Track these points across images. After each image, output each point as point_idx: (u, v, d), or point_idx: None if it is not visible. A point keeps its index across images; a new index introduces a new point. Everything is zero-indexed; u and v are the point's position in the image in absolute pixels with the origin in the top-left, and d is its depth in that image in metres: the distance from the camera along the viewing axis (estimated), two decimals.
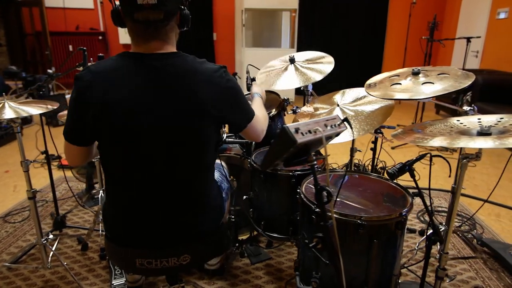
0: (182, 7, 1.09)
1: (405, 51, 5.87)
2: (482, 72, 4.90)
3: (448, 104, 1.93)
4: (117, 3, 1.08)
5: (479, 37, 4.28)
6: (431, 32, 3.75)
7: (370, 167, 2.99)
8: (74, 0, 7.05)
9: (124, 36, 7.32)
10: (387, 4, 6.74)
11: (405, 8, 6.19)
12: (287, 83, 1.94)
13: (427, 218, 2.49)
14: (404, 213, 1.24)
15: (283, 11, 6.49)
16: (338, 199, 1.38)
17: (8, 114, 1.54)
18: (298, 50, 6.22)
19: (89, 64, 1.09)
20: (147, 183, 1.10)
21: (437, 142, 1.08)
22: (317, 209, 1.23)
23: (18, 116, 1.55)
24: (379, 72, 7.90)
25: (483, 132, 1.07)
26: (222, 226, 1.28)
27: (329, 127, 0.87)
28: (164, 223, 1.13)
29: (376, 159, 2.23)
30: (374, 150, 2.16)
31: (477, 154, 1.15)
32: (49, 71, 6.41)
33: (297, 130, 0.77)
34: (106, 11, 7.25)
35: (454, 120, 1.35)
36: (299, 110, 2.06)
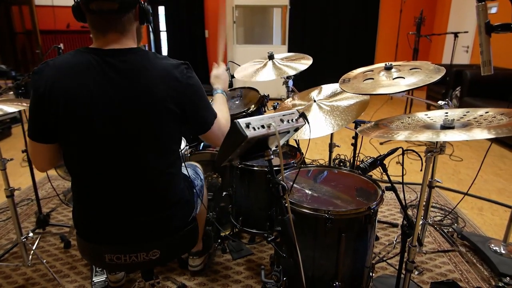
0: (142, 1, 1.09)
1: (397, 47, 5.88)
2: (472, 67, 4.92)
3: (422, 99, 1.93)
4: None
5: (467, 32, 4.29)
6: (418, 27, 3.76)
7: (358, 163, 3.01)
8: None
9: None
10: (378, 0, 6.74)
11: (396, 4, 6.20)
12: (265, 77, 1.95)
13: (410, 212, 2.51)
14: (372, 207, 1.25)
15: (274, 7, 6.48)
16: (314, 194, 1.39)
17: None
18: (290, 46, 6.22)
19: (49, 59, 1.08)
20: (107, 180, 1.10)
21: (401, 136, 1.08)
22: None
23: None
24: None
25: (446, 126, 1.08)
26: (193, 221, 1.29)
27: (285, 122, 0.87)
28: (129, 218, 1.13)
29: (357, 155, 2.24)
30: (355, 145, 2.17)
31: (441, 148, 1.16)
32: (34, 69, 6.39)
33: (248, 125, 0.77)
34: None
35: (422, 115, 1.36)
36: (279, 106, 2.07)
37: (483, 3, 0.90)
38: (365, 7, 6.75)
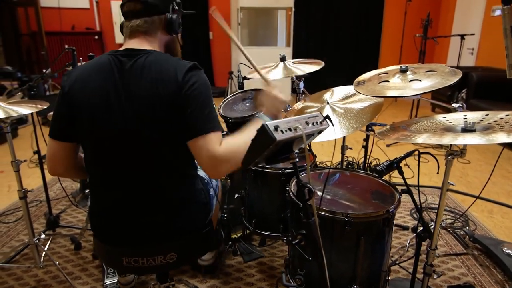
0: (170, 11, 1.12)
1: (401, 49, 5.88)
2: (477, 69, 4.91)
3: (436, 101, 1.93)
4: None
5: (473, 34, 4.29)
6: (425, 30, 3.76)
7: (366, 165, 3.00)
8: (69, 0, 7.04)
9: (120, 36, 7.30)
10: (383, 1, 6.74)
11: (401, 6, 6.20)
12: (274, 76, 1.96)
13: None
14: (391, 210, 1.24)
15: (279, 9, 6.48)
16: (327, 197, 1.38)
17: None
18: (294, 48, 6.22)
19: (79, 63, 1.12)
20: (126, 182, 1.10)
21: (422, 139, 1.08)
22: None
23: (7, 116, 1.55)
24: (375, 69, 7.82)
25: (467, 129, 1.08)
26: (210, 224, 1.28)
27: (310, 125, 0.87)
28: (148, 221, 1.13)
29: (368, 157, 2.24)
30: (366, 147, 2.17)
31: (462, 151, 1.16)
32: (45, 71, 6.39)
33: (276, 128, 0.77)
34: (101, 11, 7.23)
35: (440, 117, 1.36)
36: (290, 108, 2.07)
37: (508, 6, 0.90)
38: (369, 9, 6.75)
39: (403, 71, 1.50)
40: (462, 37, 3.75)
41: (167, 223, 1.14)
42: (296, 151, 0.94)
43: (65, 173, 1.19)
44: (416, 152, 1.44)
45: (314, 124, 0.88)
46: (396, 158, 1.43)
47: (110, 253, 1.19)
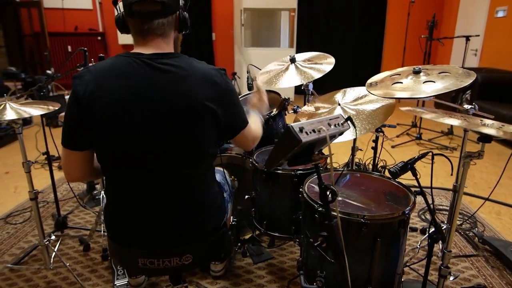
0: (181, 9, 1.10)
1: (404, 50, 5.86)
2: (481, 70, 4.91)
3: (449, 103, 1.93)
4: (120, 8, 1.10)
5: (478, 35, 4.29)
6: (430, 31, 3.76)
7: (370, 166, 3.00)
8: (72, 0, 7.04)
9: (123, 37, 7.31)
10: (386, 3, 6.74)
11: (404, 7, 6.20)
12: (288, 81, 1.95)
13: (428, 216, 2.50)
14: (407, 212, 1.24)
15: (282, 10, 6.48)
16: (340, 198, 1.38)
17: (10, 115, 1.54)
18: (297, 49, 6.22)
19: (90, 64, 1.10)
20: (144, 184, 1.10)
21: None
22: (321, 208, 1.23)
23: (19, 117, 1.55)
24: (378, 71, 7.92)
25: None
26: (224, 226, 1.28)
27: (332, 126, 0.87)
28: (165, 223, 1.13)
29: (377, 158, 2.23)
30: (375, 149, 2.16)
31: (479, 153, 1.16)
32: (48, 72, 6.41)
33: (301, 130, 0.77)
34: (104, 11, 7.24)
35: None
36: (299, 109, 2.07)
37: None
38: (372, 10, 6.76)
39: (416, 73, 1.50)
40: (467, 38, 3.75)
41: (184, 225, 1.13)
42: (316, 152, 0.94)
43: (83, 179, 1.18)
44: (430, 154, 1.43)
45: (336, 125, 0.88)
46: (410, 159, 1.42)
47: (125, 255, 1.18)
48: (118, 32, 7.44)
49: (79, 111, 1.02)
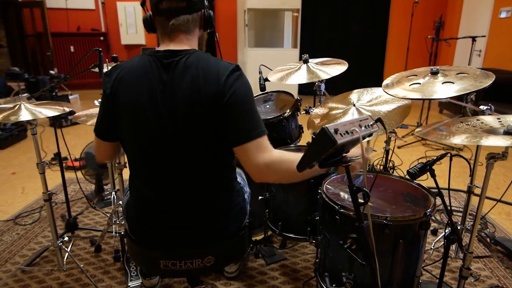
0: (206, 8, 1.10)
1: (407, 51, 5.87)
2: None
3: (466, 104, 1.93)
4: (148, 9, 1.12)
5: (484, 36, 4.29)
6: (437, 31, 3.76)
7: (379, 167, 2.99)
8: (75, 1, 7.04)
9: (125, 36, 7.31)
10: (389, 3, 6.75)
11: (408, 7, 6.20)
12: (297, 79, 1.95)
13: (439, 217, 2.50)
14: (428, 213, 1.23)
15: (286, 11, 6.48)
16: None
17: (25, 115, 1.53)
18: (301, 50, 6.21)
19: (121, 62, 1.12)
20: (168, 184, 1.10)
21: (458, 140, 1.07)
22: (342, 210, 1.23)
23: (34, 118, 1.54)
24: (381, 72, 7.90)
25: (510, 132, 1.07)
26: (245, 227, 1.28)
27: (363, 128, 0.86)
28: (188, 224, 1.13)
29: (389, 159, 2.23)
30: (387, 150, 2.16)
31: (503, 154, 1.15)
32: (52, 72, 6.38)
33: (336, 131, 0.76)
34: (107, 11, 7.23)
35: (474, 120, 1.36)
36: (312, 110, 2.06)
37: None
38: (375, 10, 6.76)
39: (434, 73, 1.50)
40: (473, 39, 3.75)
41: (208, 227, 1.13)
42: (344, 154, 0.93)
43: (112, 160, 1.24)
44: (449, 155, 1.43)
45: (366, 127, 0.87)
46: (429, 160, 1.41)
47: (147, 256, 1.18)
48: (121, 32, 7.40)
49: (107, 107, 1.08)
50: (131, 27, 7.26)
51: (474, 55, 5.70)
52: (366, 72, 6.82)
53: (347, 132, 0.79)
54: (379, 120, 0.88)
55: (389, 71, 7.09)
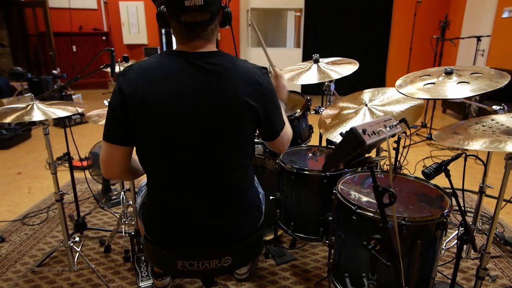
0: (224, 5, 1.10)
1: (410, 51, 5.87)
2: None
3: (480, 104, 1.92)
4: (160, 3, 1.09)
5: (489, 36, 4.29)
6: (443, 31, 3.76)
7: (385, 167, 2.99)
8: (77, 0, 7.02)
9: (128, 36, 7.30)
10: (392, 3, 6.75)
11: (410, 7, 6.20)
12: (309, 79, 1.95)
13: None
14: (446, 213, 1.23)
15: (289, 10, 6.47)
16: (372, 200, 1.37)
17: (37, 115, 1.53)
18: (304, 50, 6.21)
19: (133, 63, 1.09)
20: (189, 184, 1.09)
21: (477, 145, 1.07)
22: (359, 210, 1.22)
23: (47, 118, 1.53)
24: (384, 72, 7.86)
25: None
26: (261, 227, 1.27)
27: (387, 128, 0.86)
28: (206, 224, 1.12)
29: (398, 160, 2.22)
30: (397, 150, 2.15)
31: None
32: (54, 71, 6.33)
33: (364, 131, 0.76)
34: (109, 11, 7.22)
35: (489, 120, 1.35)
36: (321, 110, 2.06)
37: None
38: (378, 10, 6.76)
39: (448, 73, 1.49)
40: (479, 38, 3.75)
41: (227, 227, 1.13)
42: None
43: (120, 176, 1.16)
44: (463, 155, 1.43)
45: (391, 127, 0.87)
46: (444, 161, 1.41)
47: (164, 257, 1.17)
48: (123, 32, 7.37)
49: (125, 108, 1.01)
50: (134, 27, 7.25)
51: (477, 55, 5.70)
52: (368, 72, 6.81)
53: (373, 132, 0.79)
54: (403, 120, 0.88)
55: (391, 71, 7.09)
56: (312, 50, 6.76)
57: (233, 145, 1.08)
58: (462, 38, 4.26)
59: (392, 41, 6.95)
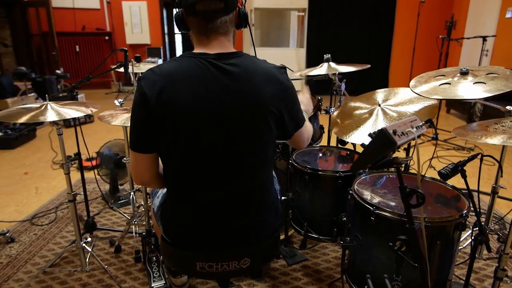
0: (239, 7, 1.10)
1: (413, 51, 5.87)
2: None
3: (494, 104, 1.92)
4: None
5: (495, 36, 4.28)
6: (449, 31, 3.75)
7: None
8: (80, 0, 7.02)
9: (131, 36, 7.29)
10: (395, 3, 6.75)
11: (414, 7, 6.20)
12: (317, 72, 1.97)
13: None
14: (464, 214, 1.23)
15: (292, 10, 6.47)
16: (385, 201, 1.36)
17: (51, 116, 1.52)
18: (307, 49, 6.20)
19: (154, 66, 1.07)
20: (211, 186, 1.09)
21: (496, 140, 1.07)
22: (377, 211, 1.22)
23: (61, 118, 1.53)
24: (387, 72, 7.84)
25: None
26: (279, 228, 1.27)
27: (414, 129, 0.86)
28: (227, 225, 1.12)
29: (409, 160, 2.21)
30: (407, 150, 2.15)
31: None
32: (58, 71, 6.35)
33: (395, 132, 0.76)
34: (112, 11, 7.21)
35: (508, 121, 1.35)
36: (332, 110, 2.06)
37: None
38: (381, 10, 6.76)
39: (464, 74, 1.49)
40: (484, 38, 3.75)
41: (250, 228, 1.12)
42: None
43: (150, 182, 1.16)
44: (479, 156, 1.42)
45: (417, 128, 0.86)
46: (460, 161, 1.41)
47: (182, 258, 1.17)
48: (126, 32, 7.39)
49: (149, 113, 1.00)
50: (136, 27, 7.25)
51: (482, 55, 5.70)
52: (372, 72, 6.80)
53: (403, 133, 0.79)
54: (429, 121, 0.88)
55: (394, 71, 7.08)
56: (314, 50, 6.76)
57: (257, 146, 1.07)
58: (468, 38, 4.25)
59: (395, 41, 6.95)
